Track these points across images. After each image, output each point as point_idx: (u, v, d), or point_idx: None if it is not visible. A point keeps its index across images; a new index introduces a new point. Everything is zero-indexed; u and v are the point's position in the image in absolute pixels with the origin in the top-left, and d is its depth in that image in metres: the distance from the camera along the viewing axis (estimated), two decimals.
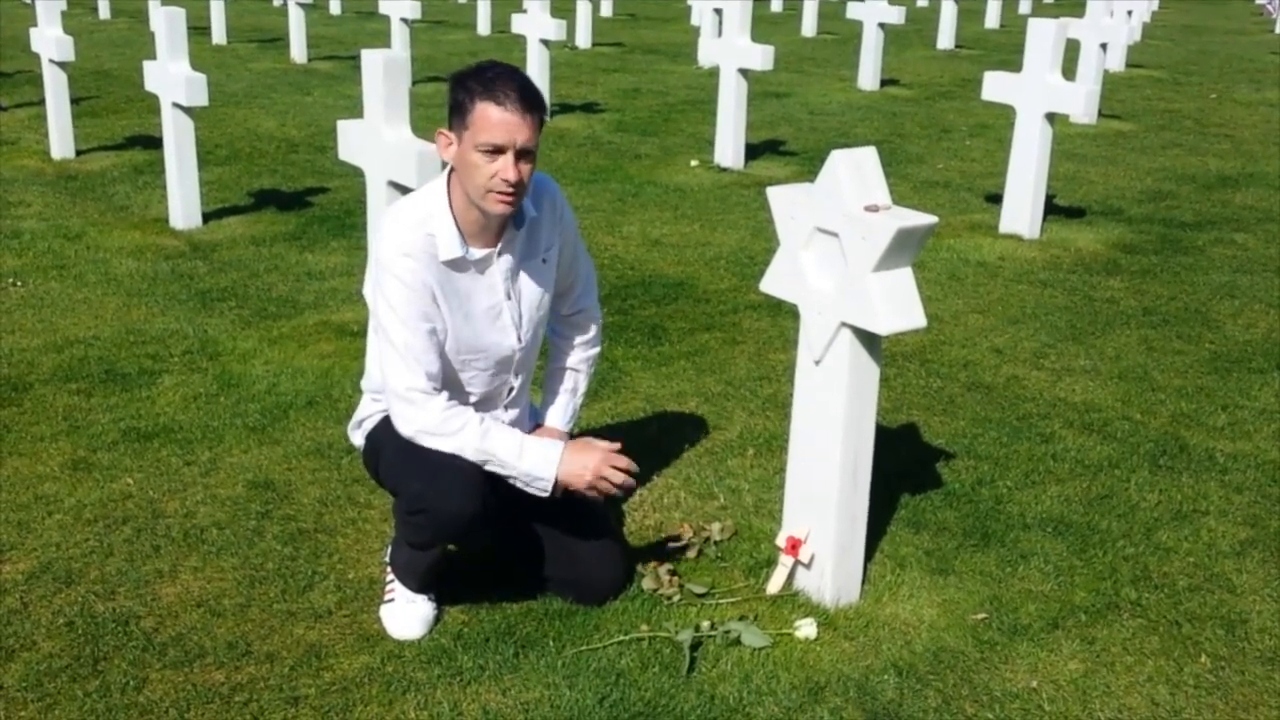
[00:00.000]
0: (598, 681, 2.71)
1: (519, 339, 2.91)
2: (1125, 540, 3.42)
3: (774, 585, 3.07)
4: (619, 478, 2.81)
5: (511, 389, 3.00)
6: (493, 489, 2.80)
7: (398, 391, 2.74)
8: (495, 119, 2.62)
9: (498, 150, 2.64)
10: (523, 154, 2.66)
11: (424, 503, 2.73)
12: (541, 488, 2.79)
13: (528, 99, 2.64)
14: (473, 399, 2.93)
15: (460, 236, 2.75)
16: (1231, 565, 3.30)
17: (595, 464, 2.80)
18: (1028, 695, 2.73)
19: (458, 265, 2.77)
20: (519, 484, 2.80)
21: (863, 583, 3.10)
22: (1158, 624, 3.02)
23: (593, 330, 3.19)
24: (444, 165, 2.81)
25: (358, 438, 3.09)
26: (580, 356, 3.19)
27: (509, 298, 2.87)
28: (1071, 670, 2.83)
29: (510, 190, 2.66)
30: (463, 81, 2.68)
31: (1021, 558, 3.30)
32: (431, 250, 2.73)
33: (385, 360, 2.76)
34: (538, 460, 2.77)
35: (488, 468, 2.77)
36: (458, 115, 2.68)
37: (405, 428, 2.76)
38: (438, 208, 2.75)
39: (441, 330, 2.77)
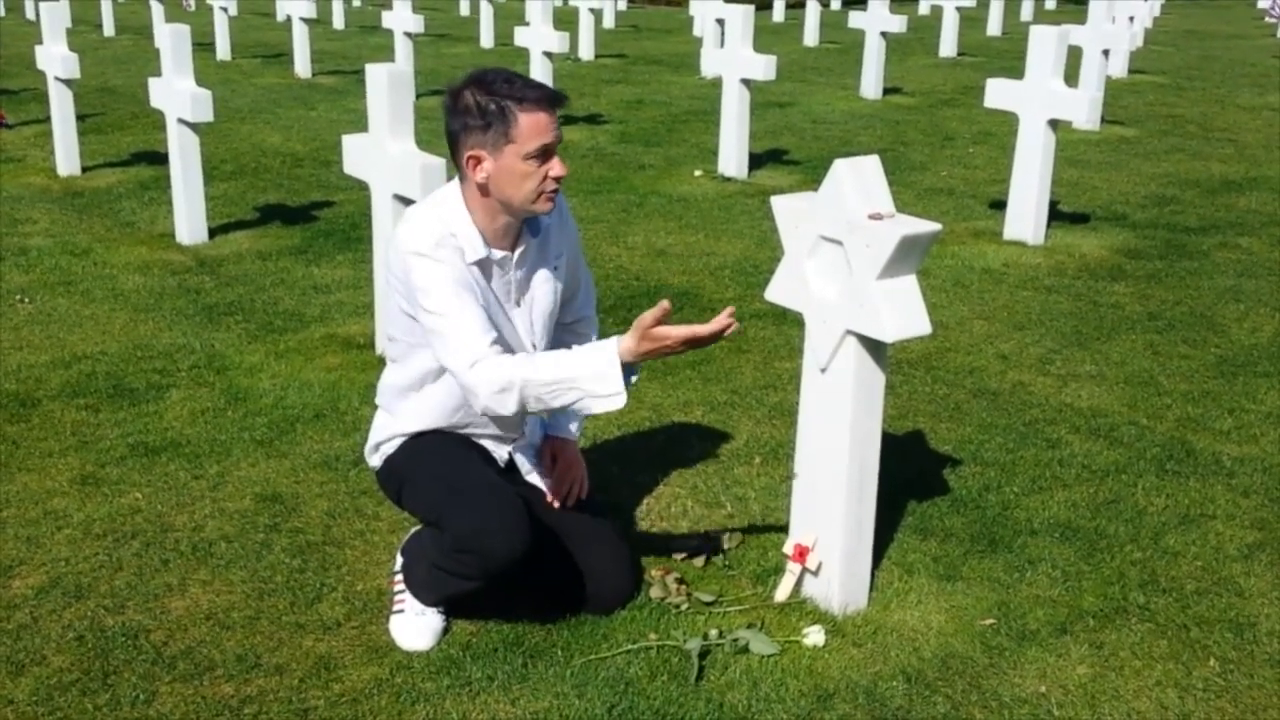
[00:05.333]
0: (607, 691, 2.72)
1: (532, 346, 2.91)
2: (1133, 545, 3.42)
3: (782, 593, 3.07)
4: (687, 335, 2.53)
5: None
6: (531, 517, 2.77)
7: (462, 371, 2.63)
8: (543, 123, 2.63)
9: (547, 151, 2.65)
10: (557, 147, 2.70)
11: (473, 542, 2.69)
12: (615, 390, 2.54)
13: (553, 92, 2.67)
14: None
15: (483, 238, 2.75)
16: (1239, 569, 3.30)
17: (667, 344, 2.53)
18: (1036, 700, 2.73)
19: (483, 267, 2.76)
20: (590, 399, 2.55)
21: (870, 590, 3.11)
22: (1166, 628, 3.01)
23: (593, 336, 3.19)
24: (451, 179, 2.81)
25: (375, 460, 3.06)
26: None
27: (519, 305, 2.87)
28: (1080, 675, 2.82)
29: (557, 186, 2.70)
30: (491, 93, 2.62)
31: (1029, 563, 3.30)
32: (459, 250, 2.71)
33: (443, 349, 2.66)
34: (599, 362, 2.55)
35: (556, 401, 2.58)
36: (497, 129, 2.62)
37: (479, 403, 2.64)
38: (456, 217, 2.74)
39: (485, 311, 2.71)
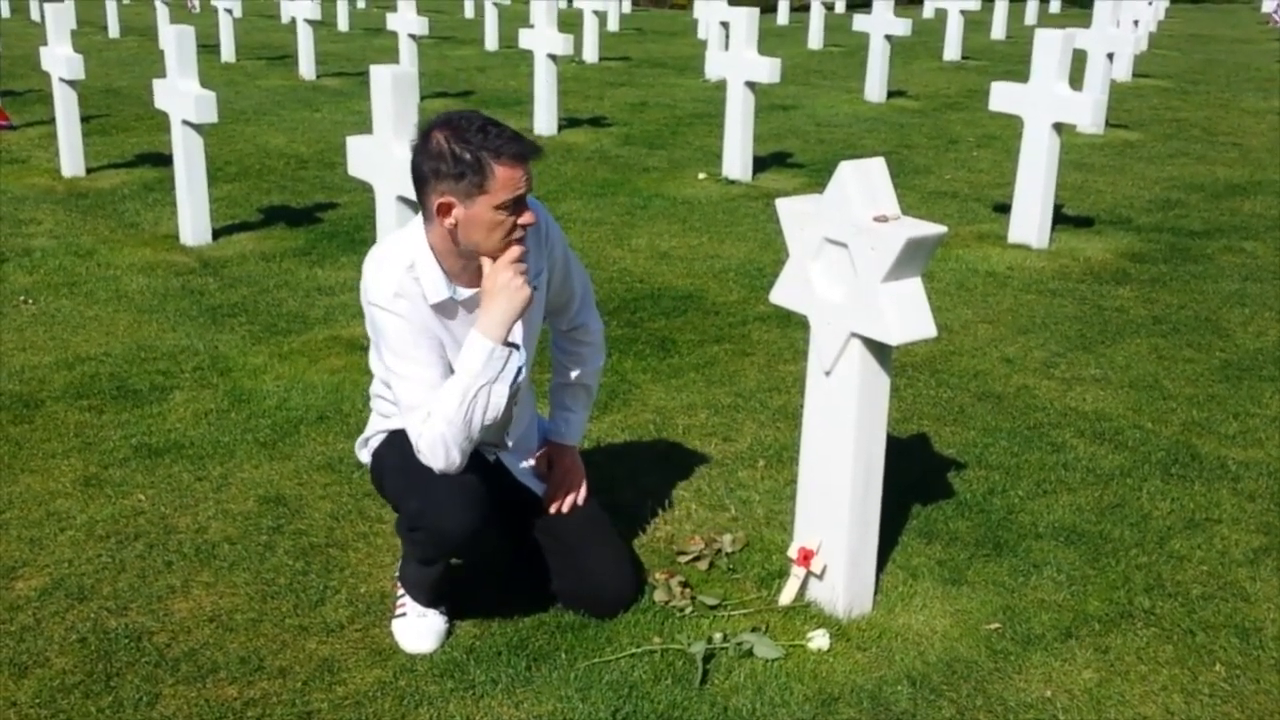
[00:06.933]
0: (610, 694, 2.71)
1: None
2: (1138, 549, 3.41)
3: (786, 596, 3.07)
4: (521, 268, 2.67)
5: (511, 414, 2.99)
6: (493, 502, 2.80)
7: (407, 426, 2.73)
8: (518, 176, 2.61)
9: (519, 203, 2.64)
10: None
11: (423, 520, 2.73)
12: (504, 358, 2.65)
13: (528, 146, 2.64)
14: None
15: (446, 279, 2.74)
16: (1245, 573, 3.29)
17: (504, 284, 2.64)
18: (1042, 705, 2.72)
19: (445, 309, 2.75)
20: (501, 383, 2.65)
21: (875, 593, 3.10)
22: (1172, 633, 3.00)
23: (595, 342, 3.16)
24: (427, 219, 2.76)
25: (364, 455, 3.09)
26: (585, 370, 3.17)
27: None
28: (1086, 679, 2.82)
29: (524, 233, 2.69)
30: (462, 144, 2.59)
31: (1034, 567, 3.29)
32: (420, 293, 2.72)
33: (397, 397, 2.76)
34: (477, 350, 2.63)
35: (489, 396, 2.63)
36: (470, 180, 2.59)
37: (423, 448, 2.70)
38: (420, 255, 2.72)
39: (444, 362, 2.75)
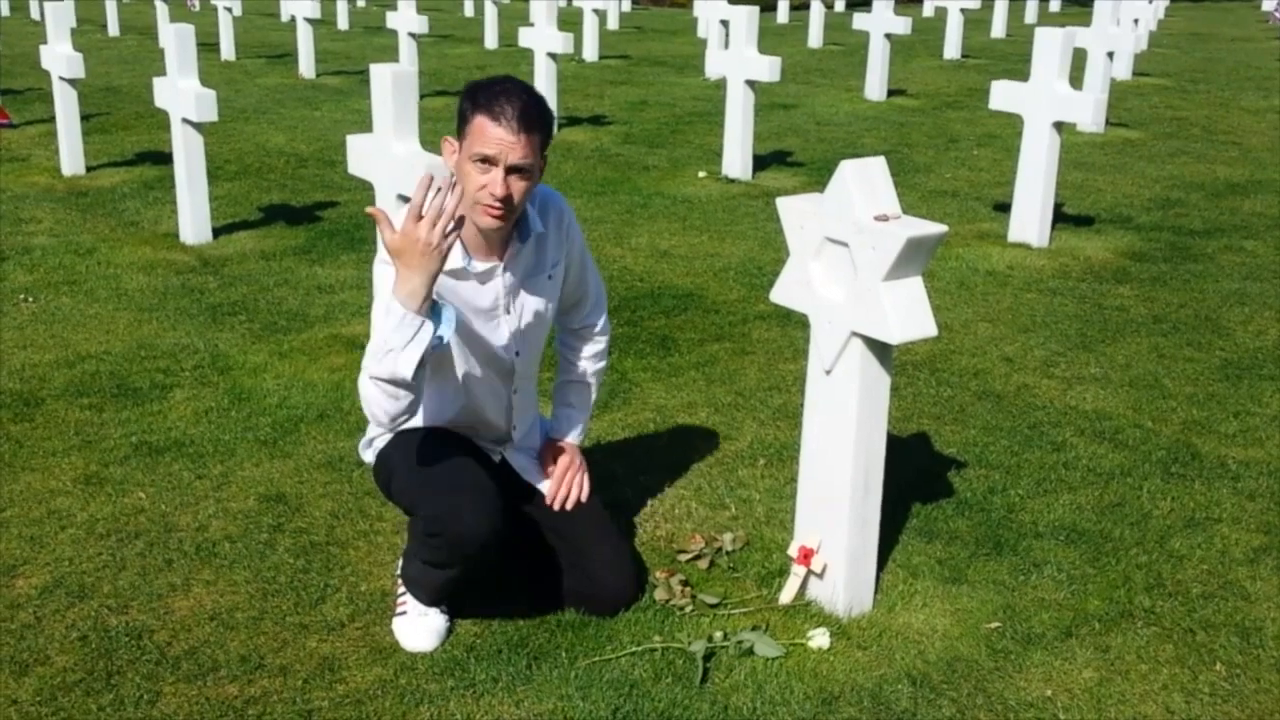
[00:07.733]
0: (611, 693, 2.71)
1: (516, 352, 2.92)
2: (1138, 548, 3.41)
3: (786, 595, 3.07)
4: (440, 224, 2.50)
5: (511, 402, 3.00)
6: (506, 503, 2.80)
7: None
8: (489, 132, 2.63)
9: (488, 162, 2.64)
10: (515, 170, 2.65)
11: (441, 525, 2.72)
12: (415, 326, 2.52)
13: (526, 118, 2.63)
14: (473, 406, 2.94)
15: (463, 247, 2.76)
16: (1245, 573, 3.29)
17: (412, 244, 2.49)
18: (1042, 704, 2.72)
19: (459, 275, 2.77)
20: (419, 345, 2.52)
21: (875, 592, 3.10)
22: (1172, 632, 3.01)
23: (602, 344, 3.20)
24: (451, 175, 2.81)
25: (369, 455, 3.09)
26: (590, 369, 3.20)
27: (508, 312, 2.86)
28: (1086, 679, 2.82)
29: (497, 206, 2.65)
30: (470, 92, 2.70)
31: (1034, 566, 3.30)
32: None
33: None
34: (392, 315, 2.52)
35: (395, 362, 2.54)
36: (461, 124, 2.71)
37: (362, 402, 2.64)
38: None
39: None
